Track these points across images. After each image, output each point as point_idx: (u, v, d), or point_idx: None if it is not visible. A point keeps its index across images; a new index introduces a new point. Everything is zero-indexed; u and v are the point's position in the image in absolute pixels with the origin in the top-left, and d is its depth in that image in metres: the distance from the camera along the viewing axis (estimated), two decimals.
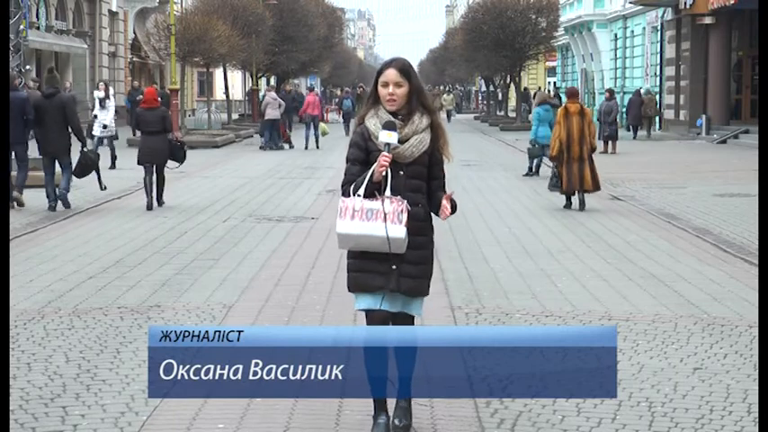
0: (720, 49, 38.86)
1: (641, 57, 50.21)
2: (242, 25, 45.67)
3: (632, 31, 51.81)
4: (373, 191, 5.52)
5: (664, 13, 44.94)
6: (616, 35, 54.21)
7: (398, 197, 5.52)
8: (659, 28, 46.12)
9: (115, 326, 8.40)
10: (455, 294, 9.71)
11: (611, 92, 35.37)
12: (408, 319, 5.69)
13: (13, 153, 16.25)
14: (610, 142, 31.79)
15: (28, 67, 25.61)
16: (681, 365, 7.26)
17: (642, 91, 41.45)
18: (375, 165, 5.52)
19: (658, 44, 46.27)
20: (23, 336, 8.05)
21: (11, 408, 6.12)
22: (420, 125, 5.63)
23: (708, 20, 38.29)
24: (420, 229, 5.63)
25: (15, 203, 16.21)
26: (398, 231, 5.47)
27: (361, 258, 5.61)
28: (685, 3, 39.39)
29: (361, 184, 5.53)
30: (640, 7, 47.40)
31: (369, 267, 5.59)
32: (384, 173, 5.50)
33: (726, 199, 17.83)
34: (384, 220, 5.46)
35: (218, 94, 64.81)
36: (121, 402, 6.37)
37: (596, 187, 16.82)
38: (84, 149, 16.84)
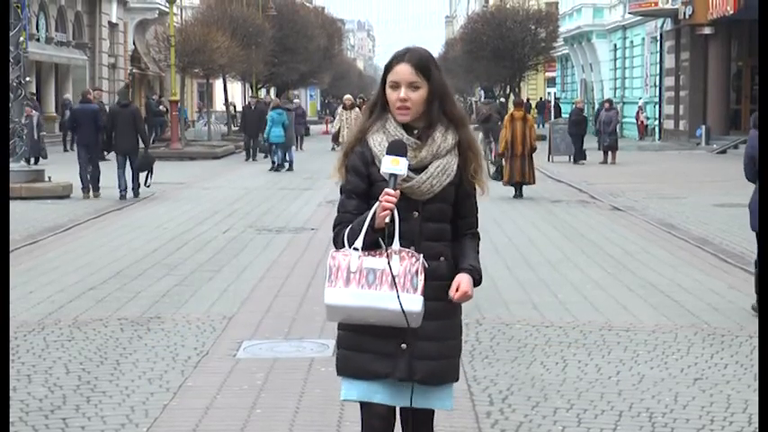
0: (720, 60, 38.91)
1: (641, 67, 50.30)
2: (242, 36, 45.78)
3: (632, 42, 51.91)
4: (376, 239, 3.90)
5: (663, 23, 45.01)
6: (615, 45, 54.31)
7: (411, 250, 3.91)
8: (659, 38, 46.19)
9: (115, 337, 8.39)
10: None
11: (610, 102, 35.25)
12: (427, 415, 4.16)
13: (80, 153, 20.15)
14: (609, 152, 31.53)
15: (28, 78, 25.57)
16: (681, 376, 7.25)
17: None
18: (376, 205, 3.88)
19: (658, 54, 46.34)
20: (23, 347, 8.05)
21: (11, 420, 6.10)
22: (444, 145, 4.01)
23: (707, 30, 38.35)
24: (443, 291, 3.99)
25: (92, 196, 19.88)
26: (412, 303, 3.83)
27: (356, 332, 4.01)
28: (685, 13, 39.47)
29: (359, 230, 3.91)
30: (640, 18, 47.48)
31: (368, 346, 4.00)
32: (388, 218, 3.86)
33: (725, 209, 17.82)
34: (393, 287, 3.83)
35: (218, 105, 64.91)
36: (121, 414, 6.36)
37: (533, 180, 20.38)
38: (147, 150, 20.73)
